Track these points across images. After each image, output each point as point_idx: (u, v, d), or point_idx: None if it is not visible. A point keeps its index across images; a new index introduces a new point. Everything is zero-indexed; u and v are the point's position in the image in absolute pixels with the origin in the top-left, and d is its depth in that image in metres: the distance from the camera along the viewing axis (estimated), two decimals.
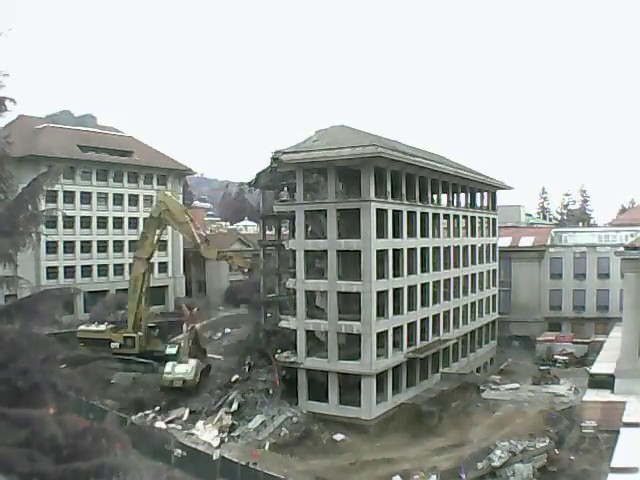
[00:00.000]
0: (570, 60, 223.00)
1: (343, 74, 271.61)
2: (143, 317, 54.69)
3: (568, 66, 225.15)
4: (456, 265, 58.95)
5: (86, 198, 75.22)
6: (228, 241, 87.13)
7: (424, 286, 52.21)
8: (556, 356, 64.37)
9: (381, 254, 45.92)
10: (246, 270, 55.82)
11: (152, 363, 52.76)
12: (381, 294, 45.88)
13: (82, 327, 57.16)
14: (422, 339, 51.73)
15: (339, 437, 42.72)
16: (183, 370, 48.46)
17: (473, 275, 63.01)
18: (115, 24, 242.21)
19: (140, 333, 54.00)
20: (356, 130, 50.79)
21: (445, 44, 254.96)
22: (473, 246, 63.86)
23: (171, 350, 51.74)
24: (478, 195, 67.19)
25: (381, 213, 45.97)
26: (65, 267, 72.02)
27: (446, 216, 58.86)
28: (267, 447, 41.02)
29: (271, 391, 46.58)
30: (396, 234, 47.98)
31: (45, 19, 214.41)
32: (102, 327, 56.59)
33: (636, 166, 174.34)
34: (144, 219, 64.22)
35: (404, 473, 37.12)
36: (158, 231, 55.32)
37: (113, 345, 53.46)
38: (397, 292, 47.94)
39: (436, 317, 54.43)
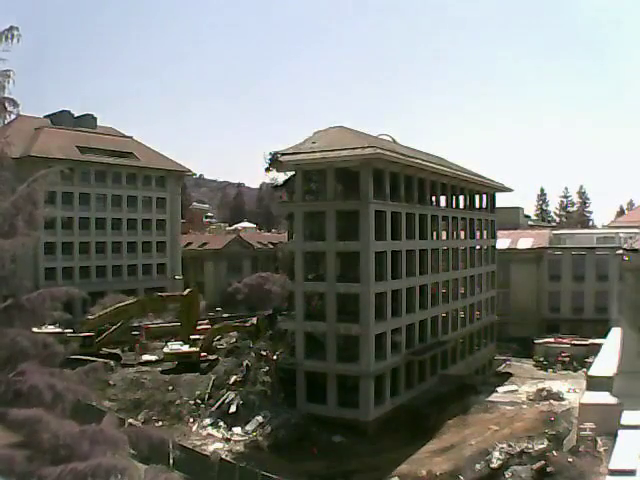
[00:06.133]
0: (568, 60, 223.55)
1: (342, 75, 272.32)
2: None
3: (566, 66, 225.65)
4: (455, 267, 58.98)
5: (84, 199, 75.23)
6: (227, 241, 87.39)
7: (423, 288, 52.24)
8: (554, 358, 64.37)
9: (380, 256, 45.94)
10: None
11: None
12: (380, 296, 45.88)
13: (34, 330, 57.17)
14: (420, 341, 51.74)
15: (337, 439, 42.68)
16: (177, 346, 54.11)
17: (472, 277, 63.04)
18: (115, 24, 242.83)
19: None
20: (355, 131, 50.82)
21: (444, 44, 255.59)
22: (472, 248, 63.94)
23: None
24: (477, 197, 67.24)
25: (380, 215, 45.98)
26: (63, 268, 72.00)
27: (445, 218, 58.91)
28: (265, 448, 41.00)
29: (269, 392, 46.57)
30: (395, 236, 47.99)
31: (45, 19, 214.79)
32: (52, 328, 57.23)
33: (634, 167, 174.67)
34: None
35: (402, 475, 37.09)
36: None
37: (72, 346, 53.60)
38: (396, 294, 47.96)
39: (435, 319, 54.47)
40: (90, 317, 57.27)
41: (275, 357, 49.24)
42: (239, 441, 42.19)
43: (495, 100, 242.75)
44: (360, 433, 43.16)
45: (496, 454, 37.70)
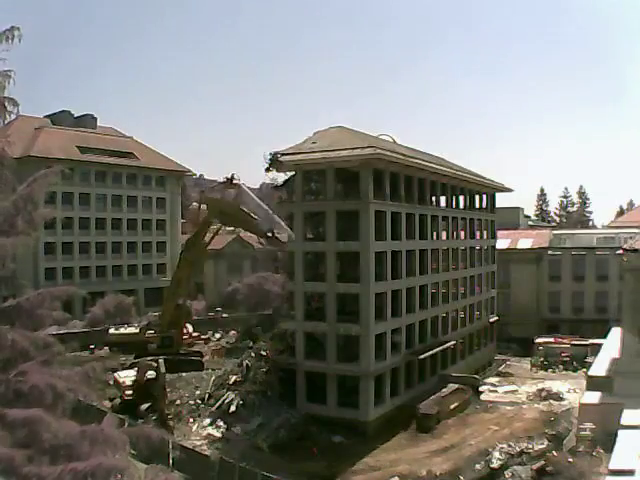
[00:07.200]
0: (569, 60, 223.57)
1: (342, 74, 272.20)
2: (182, 317, 55.12)
3: (566, 66, 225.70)
4: (455, 267, 58.99)
5: (84, 199, 75.28)
6: (227, 241, 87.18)
7: (422, 288, 52.22)
8: (554, 358, 64.38)
9: (380, 256, 45.93)
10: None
11: (199, 360, 53.84)
12: (380, 296, 45.87)
13: (112, 330, 58.58)
14: (420, 341, 51.74)
15: (337, 439, 42.67)
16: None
17: (472, 277, 63.03)
18: (115, 24, 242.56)
19: (176, 332, 54.29)
20: (355, 131, 50.84)
21: (444, 44, 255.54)
22: (472, 248, 63.93)
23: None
24: (477, 197, 67.24)
25: (380, 215, 45.97)
26: (63, 268, 72.04)
27: (445, 218, 58.91)
28: (265, 448, 41.00)
29: (269, 392, 46.58)
30: (395, 236, 47.99)
31: (45, 18, 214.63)
32: (132, 329, 57.42)
33: (634, 167, 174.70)
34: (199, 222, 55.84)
35: (402, 475, 37.09)
36: (209, 234, 54.11)
37: (150, 347, 52.56)
38: (396, 294, 47.94)
39: (434, 319, 54.47)
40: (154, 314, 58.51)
41: (275, 357, 49.23)
42: (239, 441, 42.19)
43: (495, 100, 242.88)
44: (360, 433, 43.13)
45: (496, 454, 37.78)
